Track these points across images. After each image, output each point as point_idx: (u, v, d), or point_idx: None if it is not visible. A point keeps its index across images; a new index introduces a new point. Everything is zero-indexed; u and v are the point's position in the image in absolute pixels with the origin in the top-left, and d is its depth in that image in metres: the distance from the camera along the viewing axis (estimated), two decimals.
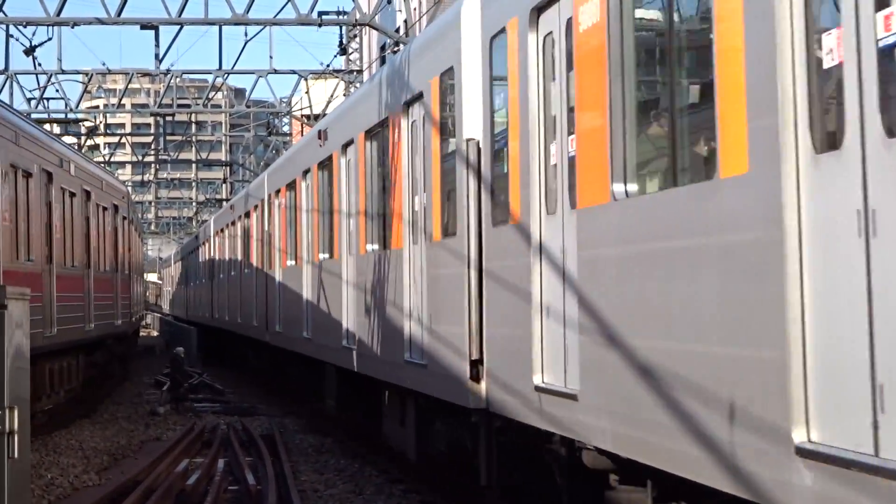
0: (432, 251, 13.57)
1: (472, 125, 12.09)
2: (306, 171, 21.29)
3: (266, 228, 27.99)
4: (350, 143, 17.95)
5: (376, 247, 16.36)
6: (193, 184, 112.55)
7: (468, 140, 12.08)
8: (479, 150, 11.96)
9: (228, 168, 71.19)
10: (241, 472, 18.52)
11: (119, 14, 29.69)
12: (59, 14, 29.92)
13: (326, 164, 20.08)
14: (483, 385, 11.94)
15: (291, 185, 24.10)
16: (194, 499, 16.52)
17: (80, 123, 46.09)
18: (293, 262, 23.85)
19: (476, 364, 12.03)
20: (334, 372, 20.06)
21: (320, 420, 25.60)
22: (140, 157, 62.25)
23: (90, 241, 29.26)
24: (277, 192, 26.26)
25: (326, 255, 20.37)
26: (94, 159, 40.43)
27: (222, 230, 38.59)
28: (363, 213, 17.00)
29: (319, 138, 20.38)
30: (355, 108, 18.08)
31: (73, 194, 26.90)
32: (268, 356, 31.64)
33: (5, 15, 30.61)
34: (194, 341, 52.97)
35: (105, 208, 32.25)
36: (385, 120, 15.71)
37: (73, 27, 29.83)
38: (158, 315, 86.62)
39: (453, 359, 12.53)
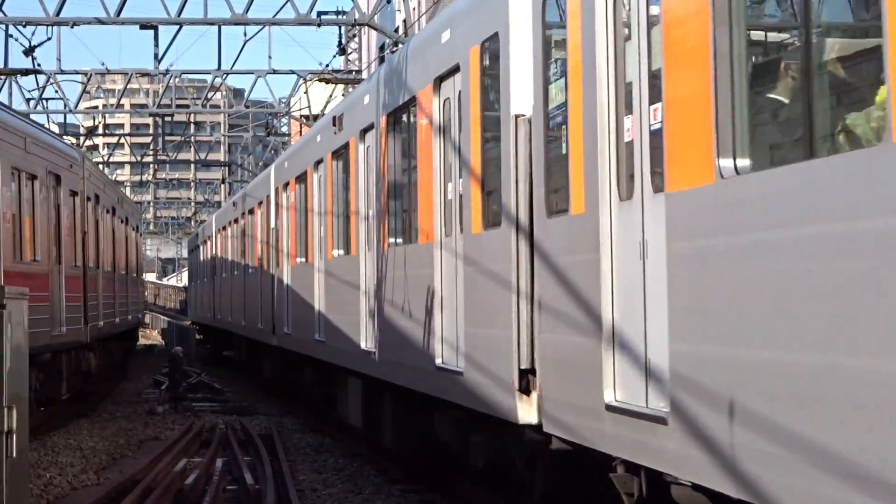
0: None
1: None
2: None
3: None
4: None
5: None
6: (192, 184, 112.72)
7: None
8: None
9: (227, 169, 71.22)
10: (240, 471, 18.54)
11: (118, 14, 29.71)
12: (58, 14, 29.94)
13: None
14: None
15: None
16: (193, 498, 16.52)
17: (80, 125, 46.10)
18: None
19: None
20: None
21: (319, 419, 25.62)
22: (139, 158, 62.26)
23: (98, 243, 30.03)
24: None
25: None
26: (94, 159, 40.49)
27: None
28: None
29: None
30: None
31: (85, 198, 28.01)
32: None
33: (5, 15, 30.63)
34: (193, 341, 53.25)
35: (107, 210, 32.73)
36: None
37: (72, 27, 29.85)
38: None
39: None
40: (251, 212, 31.60)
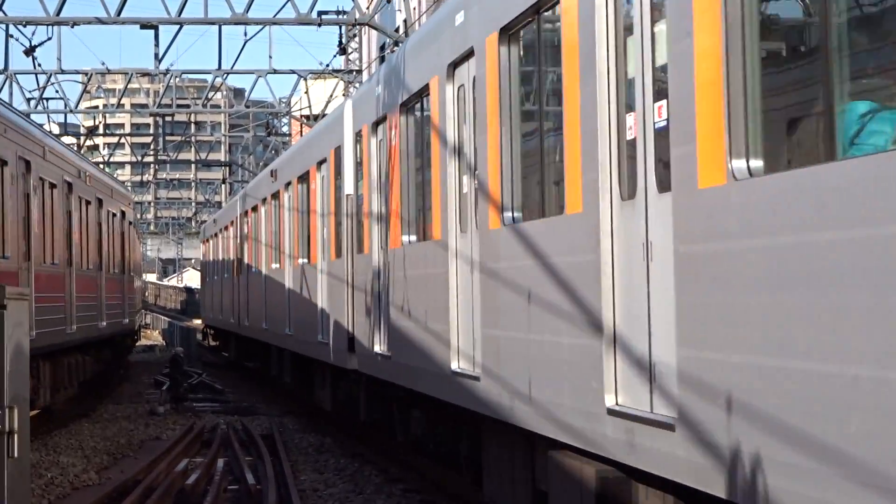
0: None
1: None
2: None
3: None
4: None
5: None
6: (192, 184, 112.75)
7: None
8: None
9: (227, 169, 71.19)
10: (241, 471, 18.53)
11: (119, 14, 29.68)
12: (58, 14, 29.92)
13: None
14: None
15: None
16: (194, 498, 16.52)
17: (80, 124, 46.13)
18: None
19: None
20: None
21: (320, 419, 25.60)
22: (139, 158, 62.25)
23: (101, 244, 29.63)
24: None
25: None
26: (94, 160, 40.47)
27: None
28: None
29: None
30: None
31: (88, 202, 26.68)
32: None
33: (5, 14, 30.61)
34: (193, 341, 53.22)
35: (114, 214, 32.33)
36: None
37: (72, 27, 29.83)
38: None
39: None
40: (303, 179, 24.07)
